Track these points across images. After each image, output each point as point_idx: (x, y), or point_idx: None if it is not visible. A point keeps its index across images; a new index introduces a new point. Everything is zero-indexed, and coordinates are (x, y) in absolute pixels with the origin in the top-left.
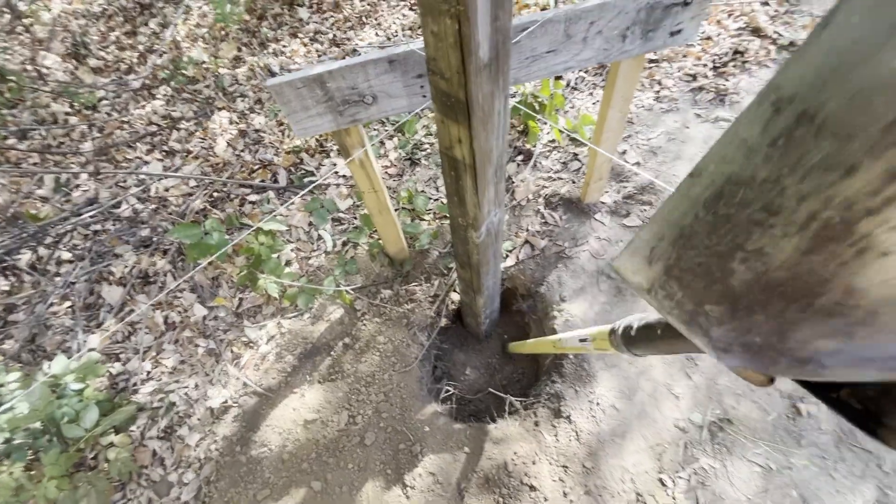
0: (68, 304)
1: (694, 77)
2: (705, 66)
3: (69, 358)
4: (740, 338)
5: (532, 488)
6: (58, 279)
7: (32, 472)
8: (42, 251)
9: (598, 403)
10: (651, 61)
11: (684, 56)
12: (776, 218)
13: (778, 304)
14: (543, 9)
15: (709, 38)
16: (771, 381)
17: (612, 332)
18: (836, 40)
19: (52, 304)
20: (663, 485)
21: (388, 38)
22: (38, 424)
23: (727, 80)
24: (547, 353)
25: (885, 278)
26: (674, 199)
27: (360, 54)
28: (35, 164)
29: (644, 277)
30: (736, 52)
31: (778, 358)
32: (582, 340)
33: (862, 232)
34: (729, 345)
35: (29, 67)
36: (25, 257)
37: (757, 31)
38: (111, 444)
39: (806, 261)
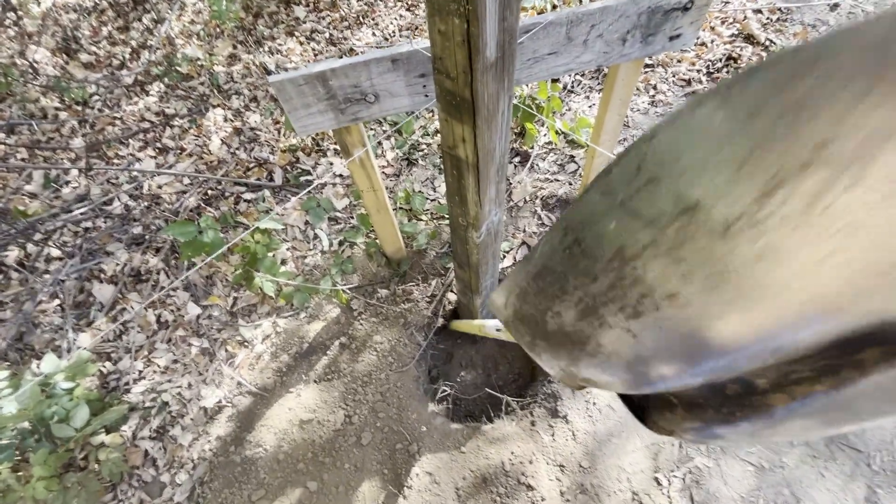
0: (57, 302)
1: (688, 82)
2: (699, 71)
3: (59, 357)
4: (555, 362)
5: (529, 488)
6: (47, 277)
7: (20, 473)
8: (31, 248)
9: (594, 403)
10: (647, 66)
11: (679, 61)
12: (566, 296)
13: (570, 345)
14: (540, 12)
15: (703, 44)
16: (582, 387)
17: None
18: (589, 204)
19: (40, 302)
20: (658, 484)
21: (386, 39)
22: (26, 424)
23: None
24: (473, 326)
25: (609, 341)
26: (517, 270)
27: (357, 55)
28: (23, 159)
29: (503, 315)
30: (729, 58)
31: (577, 376)
32: (498, 330)
33: (600, 314)
34: (551, 366)
35: (19, 61)
36: (13, 254)
37: (750, 38)
38: (102, 445)
39: (579, 324)
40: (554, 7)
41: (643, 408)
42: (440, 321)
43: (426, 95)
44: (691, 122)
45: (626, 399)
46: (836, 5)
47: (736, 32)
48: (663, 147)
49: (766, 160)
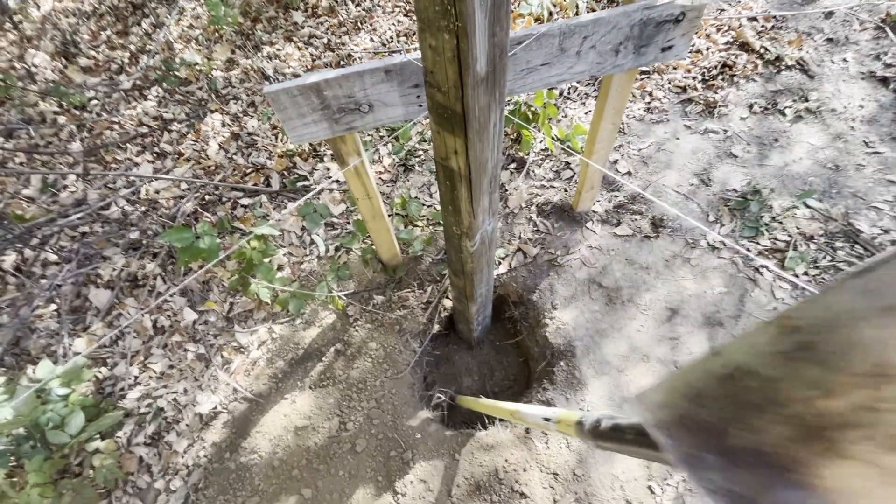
0: (54, 307)
1: (684, 89)
2: (695, 78)
3: (54, 362)
4: (726, 484)
5: (522, 495)
6: (43, 281)
7: (15, 479)
8: (27, 253)
9: (588, 410)
10: (642, 73)
11: (674, 68)
12: (771, 406)
13: (761, 468)
14: (538, 19)
15: (698, 51)
16: None
17: (580, 423)
18: (836, 304)
19: (37, 307)
20: (652, 492)
21: (384, 44)
22: (21, 430)
23: (716, 92)
24: (501, 409)
25: (838, 474)
26: (695, 366)
27: (355, 60)
28: (21, 163)
29: (655, 418)
30: (724, 65)
31: (756, 502)
32: (546, 419)
33: (830, 437)
34: (716, 487)
35: (17, 65)
36: (10, 259)
37: (745, 46)
38: (97, 451)
39: (787, 444)
40: (550, 14)
41: None
42: (435, 327)
43: (420, 105)
44: None
45: None
46: (830, 13)
47: (731, 40)
48: None
49: None
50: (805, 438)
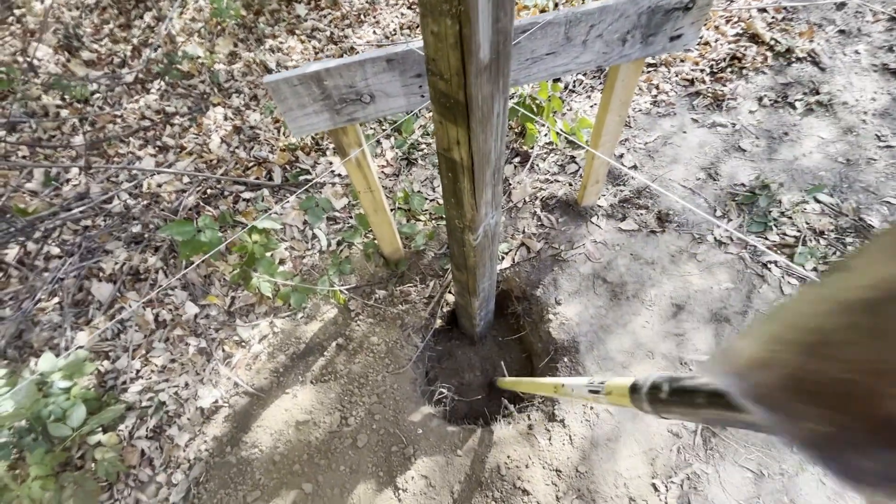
0: (56, 300)
1: (691, 82)
2: (703, 71)
3: (57, 355)
4: (888, 468)
5: (525, 492)
6: (46, 275)
7: (17, 472)
8: (30, 246)
9: (592, 408)
10: (649, 65)
11: (682, 61)
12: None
13: None
14: (542, 10)
15: (707, 43)
16: None
17: (634, 388)
18: None
19: (39, 300)
20: (656, 489)
21: (387, 37)
22: (23, 423)
23: (724, 85)
24: (544, 385)
25: None
26: (806, 297)
27: (358, 53)
28: (24, 157)
29: (754, 385)
30: (734, 57)
31: None
32: (593, 391)
33: None
34: (877, 477)
35: (20, 59)
36: (13, 252)
37: (755, 38)
38: (98, 444)
39: None
40: (556, 6)
41: None
42: (438, 322)
43: (422, 96)
44: None
45: None
46: (842, 4)
47: (741, 31)
48: None
49: None
50: None
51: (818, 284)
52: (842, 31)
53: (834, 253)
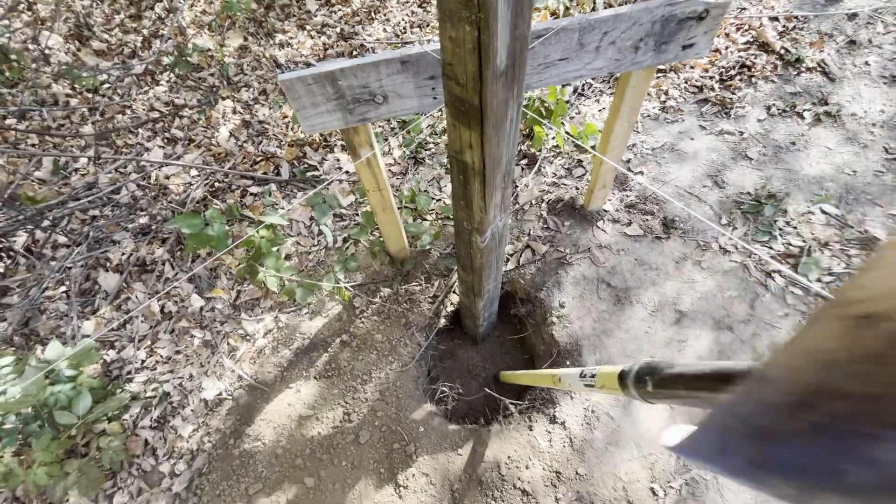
0: (63, 288)
1: (700, 88)
2: (712, 78)
3: (63, 343)
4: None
5: (525, 493)
6: (53, 263)
7: (22, 458)
8: (39, 234)
9: (593, 411)
10: (658, 71)
11: (691, 67)
12: (892, 432)
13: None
14: (553, 14)
15: (717, 50)
16: None
17: (622, 378)
18: None
19: (46, 289)
20: (654, 494)
21: (397, 35)
22: (29, 410)
23: (733, 93)
24: (543, 377)
25: None
26: (733, 405)
27: (368, 50)
28: (34, 145)
29: (724, 466)
30: (743, 65)
31: None
32: (588, 385)
33: None
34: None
35: (31, 47)
36: (21, 240)
37: (765, 46)
38: (103, 432)
39: None
40: (567, 9)
41: None
42: (441, 322)
43: (435, 98)
44: None
45: None
46: (854, 15)
47: (751, 40)
48: None
49: None
50: None
51: (740, 390)
52: (852, 42)
53: (838, 264)
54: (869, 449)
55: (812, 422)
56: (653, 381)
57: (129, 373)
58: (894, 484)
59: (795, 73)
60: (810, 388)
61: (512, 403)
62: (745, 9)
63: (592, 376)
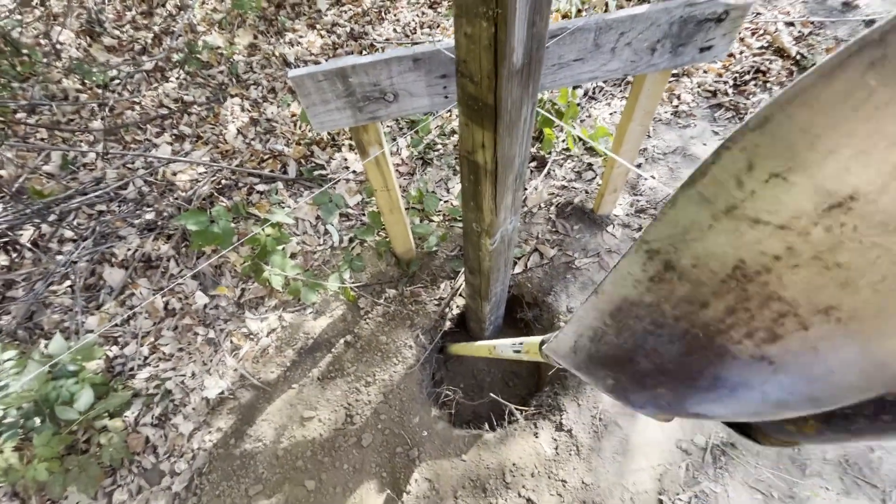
0: (68, 283)
1: (714, 93)
2: (726, 83)
3: (67, 338)
4: (650, 401)
5: (530, 501)
6: (59, 258)
7: (23, 452)
8: (45, 228)
9: (600, 419)
10: (672, 75)
11: (705, 71)
12: (662, 330)
13: (672, 383)
14: (565, 16)
15: (731, 55)
16: (670, 419)
17: (542, 343)
18: (680, 218)
19: (51, 283)
20: None
21: (407, 35)
22: (31, 404)
23: (747, 98)
24: (481, 348)
25: (733, 373)
26: (585, 309)
27: (377, 50)
28: (43, 139)
29: (572, 362)
30: (758, 70)
31: (677, 412)
32: (516, 351)
33: (717, 343)
34: (643, 404)
35: (42, 42)
36: (28, 233)
37: (780, 52)
38: (104, 429)
39: (685, 359)
40: (579, 11)
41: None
42: (447, 325)
43: (446, 97)
44: (830, 92)
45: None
46: (871, 21)
47: (766, 45)
48: (789, 131)
49: None
50: (696, 350)
51: (589, 300)
52: None
53: None
54: (653, 339)
55: (620, 322)
56: (541, 344)
57: (131, 369)
58: (659, 369)
59: None
60: (623, 298)
61: (517, 409)
62: (760, 13)
63: (521, 344)
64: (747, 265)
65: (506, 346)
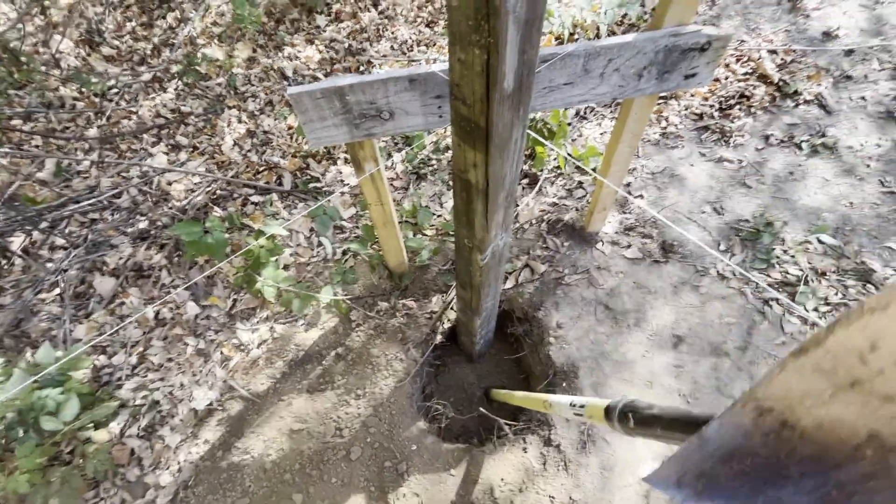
0: (58, 291)
1: (700, 116)
2: (712, 106)
3: (55, 347)
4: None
5: None
6: (49, 265)
7: (3, 463)
8: (36, 235)
9: (588, 435)
10: (660, 98)
11: (692, 95)
12: (786, 481)
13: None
14: (558, 37)
15: (717, 79)
16: None
17: (608, 410)
18: (793, 384)
19: (40, 291)
20: None
21: (403, 53)
22: (14, 414)
23: (732, 121)
24: (534, 400)
25: None
26: (688, 451)
27: (374, 66)
28: (37, 146)
29: (678, 494)
30: (742, 95)
31: None
32: (576, 411)
33: (855, 501)
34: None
35: (41, 50)
36: (18, 240)
37: (763, 78)
38: (89, 440)
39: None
40: (571, 35)
41: None
42: (438, 338)
43: (440, 116)
44: None
45: None
46: (850, 51)
47: (750, 71)
48: None
49: None
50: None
51: (690, 443)
52: (849, 77)
53: (835, 294)
54: (775, 490)
55: (734, 467)
56: (634, 419)
57: (119, 379)
58: None
59: (793, 104)
60: (735, 448)
61: (507, 424)
62: (744, 41)
63: (581, 406)
64: (884, 437)
65: (563, 405)
